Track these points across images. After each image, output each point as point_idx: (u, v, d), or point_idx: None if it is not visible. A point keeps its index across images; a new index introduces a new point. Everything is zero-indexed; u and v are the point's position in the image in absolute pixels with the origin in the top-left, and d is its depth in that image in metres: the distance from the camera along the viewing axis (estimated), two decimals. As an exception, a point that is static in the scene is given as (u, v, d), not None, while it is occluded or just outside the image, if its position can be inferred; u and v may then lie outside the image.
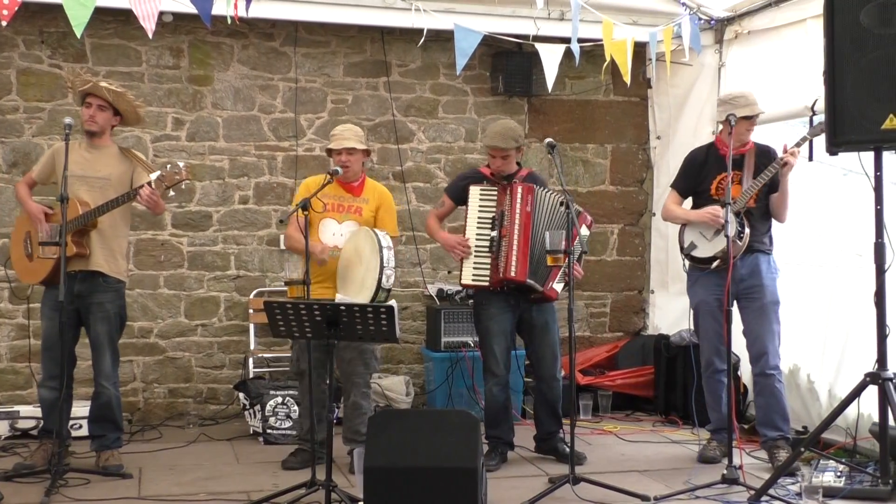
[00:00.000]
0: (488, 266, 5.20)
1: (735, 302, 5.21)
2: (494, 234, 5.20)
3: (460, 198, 5.39)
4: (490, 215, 5.23)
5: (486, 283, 5.23)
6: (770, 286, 5.22)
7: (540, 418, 5.48)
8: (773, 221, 5.31)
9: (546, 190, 5.27)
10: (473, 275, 5.25)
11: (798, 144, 5.00)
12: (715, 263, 5.13)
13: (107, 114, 5.03)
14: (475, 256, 5.24)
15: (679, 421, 6.35)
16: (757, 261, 5.21)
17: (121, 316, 5.13)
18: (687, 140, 7.05)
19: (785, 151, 5.03)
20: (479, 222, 5.25)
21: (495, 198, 5.25)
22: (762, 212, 5.24)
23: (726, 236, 4.78)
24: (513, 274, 5.13)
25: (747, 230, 5.12)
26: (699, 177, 5.31)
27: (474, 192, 5.29)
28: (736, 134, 5.10)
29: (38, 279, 5.04)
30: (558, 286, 5.18)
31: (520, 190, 5.20)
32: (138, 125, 5.43)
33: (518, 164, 5.41)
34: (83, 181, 4.93)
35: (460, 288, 6.69)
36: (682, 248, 5.35)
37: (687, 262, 5.38)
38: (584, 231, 5.21)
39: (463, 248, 5.24)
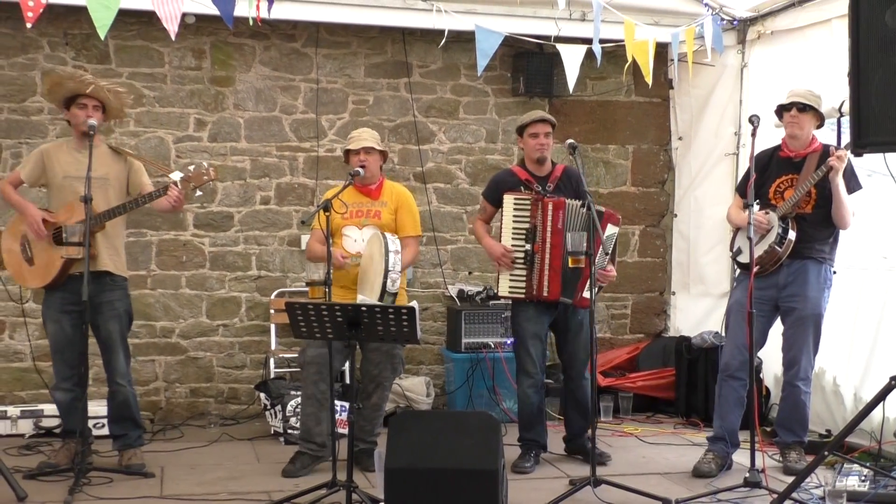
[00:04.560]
0: (524, 279, 5.21)
1: (776, 308, 5.15)
2: (529, 247, 5.19)
3: (498, 201, 5.36)
4: (524, 226, 5.21)
5: (522, 296, 5.23)
6: (814, 297, 5.05)
7: (570, 418, 5.48)
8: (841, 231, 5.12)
9: (575, 202, 5.19)
10: (510, 287, 5.25)
11: (846, 147, 4.78)
12: (755, 269, 4.92)
13: (100, 113, 4.98)
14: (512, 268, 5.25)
15: (700, 423, 6.31)
16: (805, 269, 5.05)
17: (129, 313, 5.16)
18: (709, 141, 7.03)
19: (831, 154, 4.88)
20: (514, 233, 5.24)
21: (528, 208, 5.21)
22: (821, 218, 5.03)
23: (748, 238, 4.74)
24: (545, 294, 5.15)
25: (791, 235, 4.99)
26: (760, 179, 5.07)
27: (508, 200, 5.27)
28: (787, 127, 5.08)
29: (42, 283, 4.99)
30: (587, 294, 5.11)
31: (550, 206, 5.16)
32: (119, 118, 5.40)
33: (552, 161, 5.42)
34: (82, 182, 4.81)
35: (481, 289, 6.71)
36: (731, 252, 5.31)
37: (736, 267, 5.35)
38: (610, 230, 5.17)
39: (507, 261, 5.22)
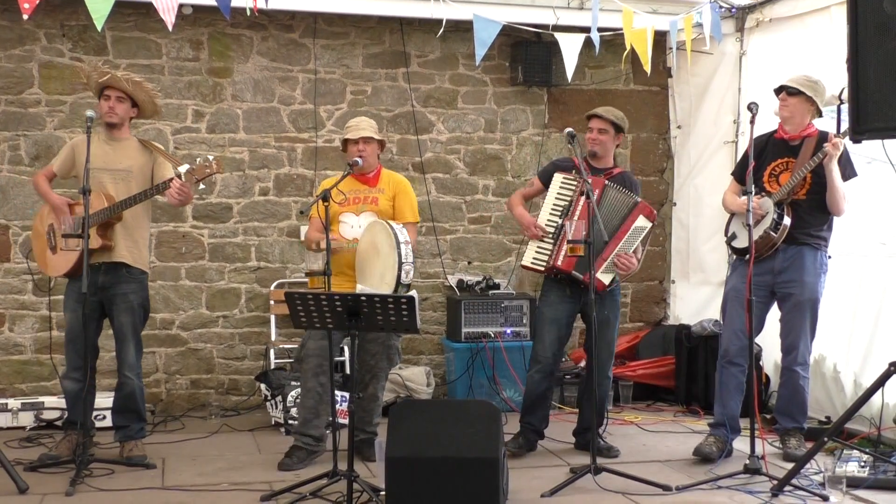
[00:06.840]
0: (549, 252, 5.19)
1: (773, 294, 5.14)
2: (561, 222, 5.16)
3: (549, 180, 5.33)
4: (564, 203, 5.20)
5: (542, 269, 5.21)
6: (810, 282, 5.04)
7: (584, 412, 5.44)
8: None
9: (617, 189, 5.18)
10: (533, 258, 5.23)
11: (844, 134, 4.77)
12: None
13: (125, 105, 5.07)
14: (541, 241, 5.22)
15: (700, 411, 6.32)
16: (801, 254, 5.04)
17: (144, 307, 5.16)
18: (708, 129, 7.03)
19: (829, 141, 4.88)
20: (552, 208, 5.23)
21: (573, 188, 5.20)
22: (815, 203, 5.02)
23: (747, 226, 4.73)
24: (559, 263, 5.12)
25: (786, 221, 4.98)
26: (756, 163, 5.02)
27: (557, 178, 5.25)
28: (779, 109, 5.06)
29: (62, 272, 5.06)
30: (604, 276, 5.11)
31: (589, 182, 5.13)
32: (155, 116, 5.46)
33: (615, 161, 5.38)
34: (106, 173, 4.96)
35: (481, 279, 6.72)
36: (726, 237, 5.29)
37: (731, 252, 5.34)
38: (642, 222, 5.12)
39: (535, 231, 5.20)
